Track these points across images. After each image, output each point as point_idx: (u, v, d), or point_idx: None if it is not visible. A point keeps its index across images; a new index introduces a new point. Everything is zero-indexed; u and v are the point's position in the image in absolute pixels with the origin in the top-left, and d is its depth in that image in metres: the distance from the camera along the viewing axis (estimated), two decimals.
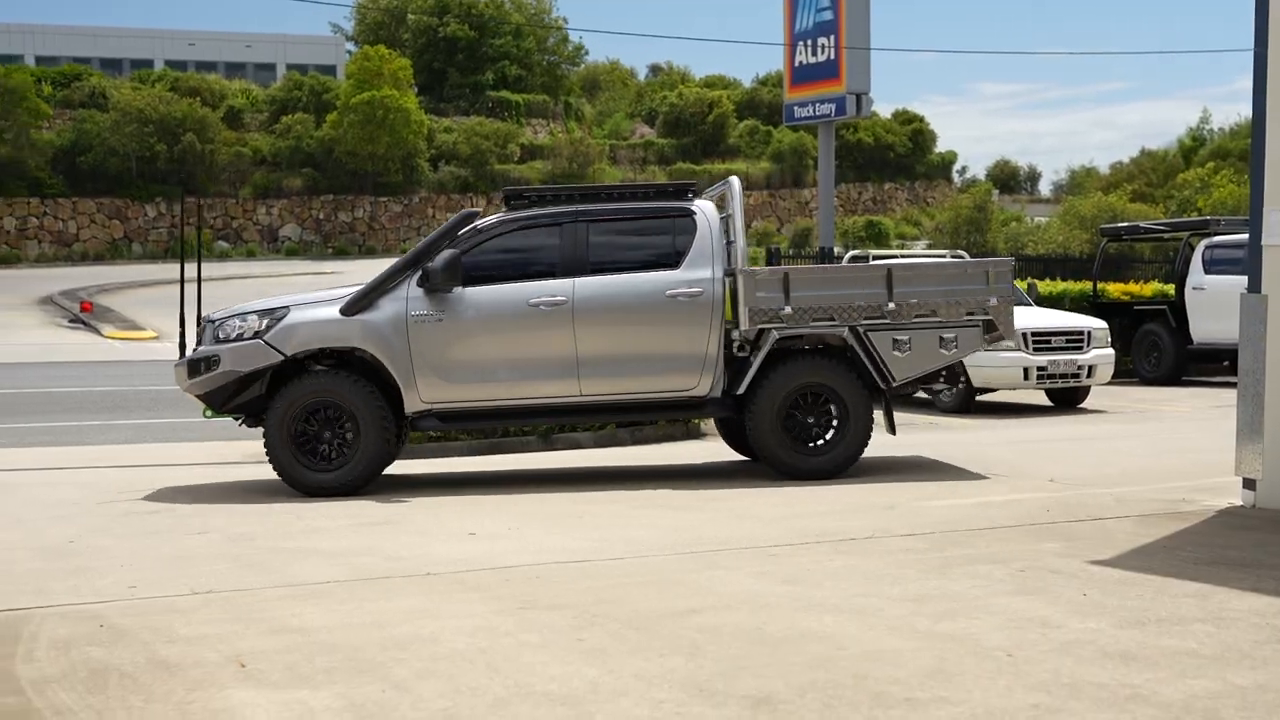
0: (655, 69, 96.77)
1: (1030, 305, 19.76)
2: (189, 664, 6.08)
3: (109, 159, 59.52)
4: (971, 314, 12.11)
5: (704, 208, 12.34)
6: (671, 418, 13.06)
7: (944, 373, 12.59)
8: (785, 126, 58.43)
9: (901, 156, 77.29)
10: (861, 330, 12.05)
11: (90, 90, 64.53)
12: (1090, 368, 18.38)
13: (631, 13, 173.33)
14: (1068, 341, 18.36)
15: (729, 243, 12.40)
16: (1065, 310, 21.12)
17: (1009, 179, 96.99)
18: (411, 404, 11.93)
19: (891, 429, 12.80)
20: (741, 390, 12.04)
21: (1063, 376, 18.20)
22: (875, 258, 20.81)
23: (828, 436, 12.15)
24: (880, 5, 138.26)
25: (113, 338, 36.21)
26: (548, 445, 15.50)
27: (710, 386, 12.05)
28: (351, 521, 10.08)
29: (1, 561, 8.66)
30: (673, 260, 12.11)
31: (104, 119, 60.41)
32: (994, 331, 12.31)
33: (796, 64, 32.75)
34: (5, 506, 11.31)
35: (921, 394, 16.49)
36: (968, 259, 19.67)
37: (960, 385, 13.00)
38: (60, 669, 6.03)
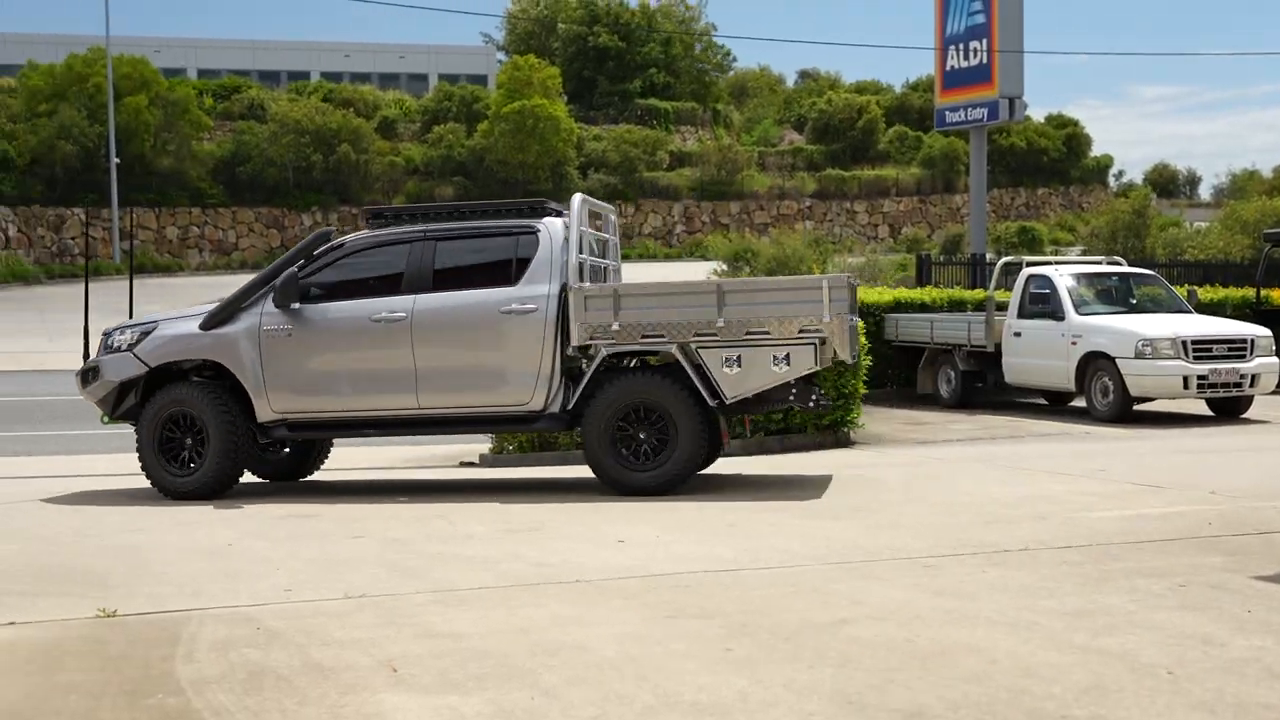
0: (804, 75, 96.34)
1: (1190, 312, 19.29)
2: (342, 667, 6.15)
3: (267, 169, 60.78)
4: (805, 331, 11.75)
5: (549, 225, 12.37)
6: (508, 431, 13.17)
7: (794, 390, 12.10)
8: (936, 131, 57.80)
9: (1055, 161, 75.98)
10: (692, 347, 11.89)
11: (249, 102, 65.98)
12: (1253, 376, 17.87)
13: (780, 19, 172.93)
14: (1230, 350, 17.87)
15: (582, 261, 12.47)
16: (1226, 317, 20.57)
17: (1167, 183, 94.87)
18: (263, 414, 12.44)
19: (724, 446, 12.58)
20: (571, 405, 12.15)
21: (1224, 386, 17.72)
22: (1029, 264, 20.49)
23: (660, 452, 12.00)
24: (1033, 7, 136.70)
25: None
26: None
27: (545, 401, 12.14)
28: (502, 528, 10.14)
29: (163, 563, 8.87)
30: (513, 277, 12.24)
31: (262, 130, 61.71)
32: (830, 351, 11.85)
33: (948, 68, 32.41)
34: (170, 510, 11.59)
35: (1075, 403, 16.13)
36: (1122, 263, 19.18)
37: (814, 403, 12.41)
38: (219, 670, 6.15)
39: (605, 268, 13.42)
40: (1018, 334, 19.45)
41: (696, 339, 11.85)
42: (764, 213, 67.89)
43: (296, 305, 12.36)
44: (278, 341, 12.37)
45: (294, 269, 12.41)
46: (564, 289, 12.14)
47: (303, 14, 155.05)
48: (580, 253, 12.35)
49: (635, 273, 43.46)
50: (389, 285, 12.39)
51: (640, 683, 5.80)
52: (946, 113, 32.50)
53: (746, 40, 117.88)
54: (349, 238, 12.82)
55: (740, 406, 12.25)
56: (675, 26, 79.11)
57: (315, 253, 12.60)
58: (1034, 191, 75.67)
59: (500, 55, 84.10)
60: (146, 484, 12.83)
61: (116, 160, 55.41)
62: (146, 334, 12.73)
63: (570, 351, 12.14)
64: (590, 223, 13.07)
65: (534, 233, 12.36)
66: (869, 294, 22.30)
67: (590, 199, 12.99)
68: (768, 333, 11.75)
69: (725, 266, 38.25)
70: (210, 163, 61.37)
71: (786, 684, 5.75)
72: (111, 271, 52.41)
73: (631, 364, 12.55)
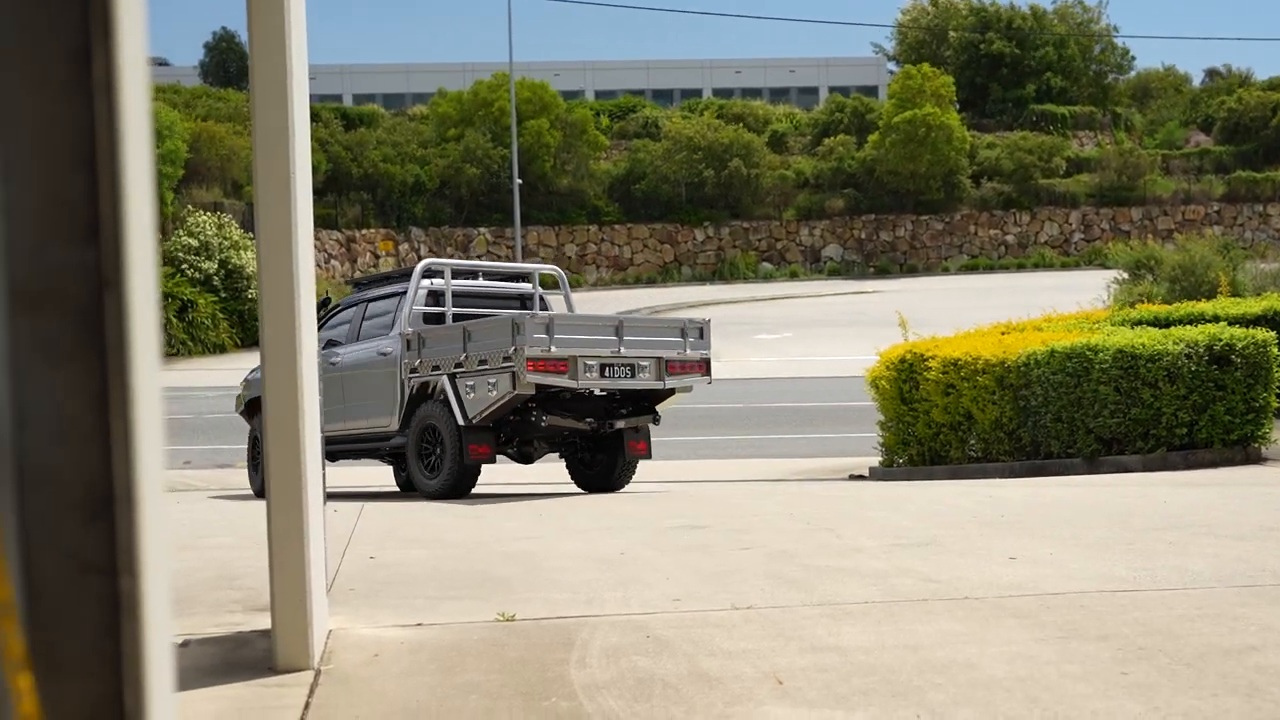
0: (1212, 73, 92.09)
1: None
2: (728, 678, 6.21)
3: (660, 186, 62.21)
4: (506, 360, 13.71)
5: (411, 286, 15.40)
6: (380, 448, 15.71)
7: (533, 411, 14.16)
8: None
9: None
10: (456, 377, 14.19)
11: (643, 121, 67.71)
12: None
13: (1186, 15, 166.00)
14: None
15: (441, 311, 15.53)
16: None
17: None
18: None
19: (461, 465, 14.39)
20: (398, 427, 15.10)
21: None
22: None
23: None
24: None
25: None
26: (1092, 468, 15.01)
27: (399, 424, 15.09)
28: (890, 542, 10.05)
29: (558, 570, 9.16)
30: (390, 328, 15.56)
31: (656, 148, 63.23)
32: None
33: None
34: (561, 518, 11.97)
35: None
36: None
37: (592, 424, 14.54)
38: (609, 676, 6.29)
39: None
40: None
41: (455, 369, 14.23)
42: (1167, 218, 65.29)
43: None
44: None
45: None
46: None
47: (695, 32, 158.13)
48: (441, 306, 15.47)
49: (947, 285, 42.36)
50: (344, 338, 16.04)
51: (1031, 705, 5.64)
52: None
53: (1149, 40, 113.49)
54: (340, 303, 16.75)
55: (514, 429, 14.57)
56: (1072, 29, 76.91)
57: (321, 315, 15.86)
58: None
59: (890, 65, 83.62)
60: (527, 494, 13.58)
61: (519, 181, 57.72)
62: (252, 375, 16.19)
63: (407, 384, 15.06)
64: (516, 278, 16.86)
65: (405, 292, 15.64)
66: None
67: (466, 262, 17.07)
68: (487, 363, 13.91)
69: (1126, 275, 36.87)
70: (606, 181, 63.27)
71: (1187, 713, 5.49)
72: None
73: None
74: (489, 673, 6.43)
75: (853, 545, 9.95)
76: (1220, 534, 10.00)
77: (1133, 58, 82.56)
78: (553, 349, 13.70)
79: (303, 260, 6.56)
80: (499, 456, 15.45)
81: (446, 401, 14.34)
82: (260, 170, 6.42)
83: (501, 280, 16.78)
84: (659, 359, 14.37)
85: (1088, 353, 15.67)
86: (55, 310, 1.65)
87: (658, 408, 15.03)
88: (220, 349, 39.95)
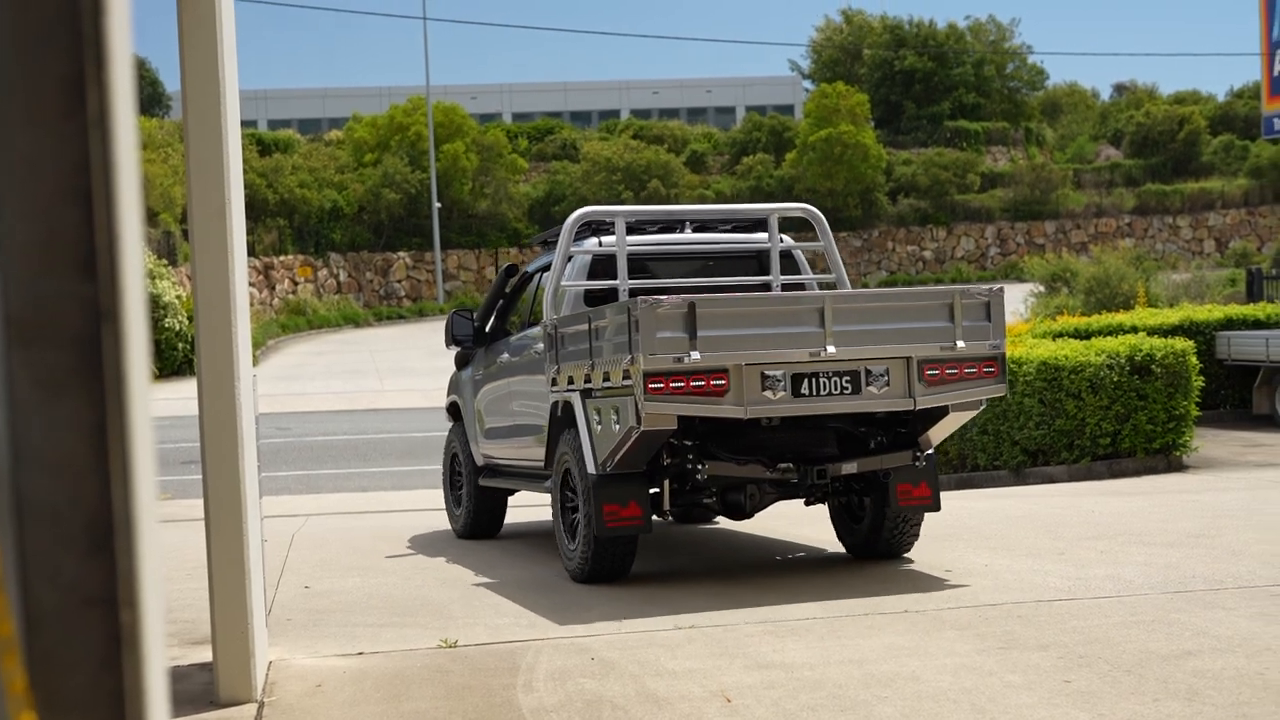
0: (1119, 88, 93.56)
1: None
2: (676, 698, 6.22)
3: (580, 207, 62.31)
4: (626, 376, 8.50)
5: (559, 250, 10.38)
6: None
7: (690, 456, 9.02)
8: (1264, 140, 55.30)
9: None
10: (587, 397, 9.30)
11: (562, 143, 67.74)
12: None
13: (1092, 32, 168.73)
14: None
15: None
16: None
17: None
18: (477, 458, 11.99)
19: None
20: (543, 461, 10.54)
21: None
22: None
23: None
24: None
25: None
26: (1018, 479, 15.16)
27: (544, 458, 10.31)
28: (826, 556, 10.10)
29: (499, 596, 9.12)
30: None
31: (575, 170, 63.29)
32: None
33: (1275, 74, 31.11)
34: (501, 544, 11.92)
35: None
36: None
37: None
38: (558, 699, 6.29)
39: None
40: None
41: (585, 385, 9.22)
42: (1080, 231, 66.16)
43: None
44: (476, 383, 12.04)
45: (454, 311, 12.35)
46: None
47: (611, 54, 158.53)
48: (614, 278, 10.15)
49: None
50: (520, 325, 11.65)
51: (977, 716, 5.70)
52: (1275, 120, 31.20)
53: (1056, 56, 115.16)
54: (530, 267, 12.19)
55: (640, 480, 9.13)
56: (985, 47, 77.89)
57: (504, 290, 12.18)
58: None
59: (806, 84, 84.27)
60: None
61: (438, 205, 57.54)
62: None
63: None
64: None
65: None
66: (1198, 312, 21.50)
67: (655, 208, 11.21)
68: (610, 379, 8.82)
69: (1042, 289, 37.30)
70: (525, 204, 63.20)
71: (1130, 718, 5.57)
72: (436, 312, 54.54)
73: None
74: (435, 700, 6.41)
75: (789, 561, 10.00)
76: (1149, 542, 10.14)
77: (1046, 76, 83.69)
78: (694, 355, 8.37)
79: (239, 289, 6.51)
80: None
81: (578, 435, 9.32)
82: (195, 201, 6.37)
83: (724, 230, 11.20)
84: (908, 360, 8.76)
85: (1011, 365, 15.84)
86: (53, 343, 1.64)
87: (929, 434, 9.26)
88: None
